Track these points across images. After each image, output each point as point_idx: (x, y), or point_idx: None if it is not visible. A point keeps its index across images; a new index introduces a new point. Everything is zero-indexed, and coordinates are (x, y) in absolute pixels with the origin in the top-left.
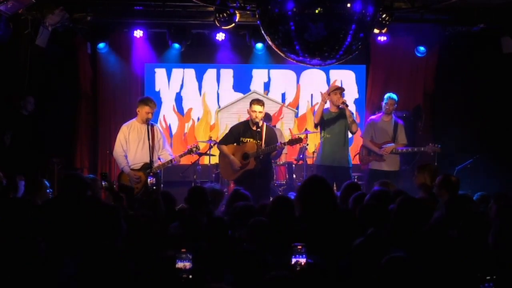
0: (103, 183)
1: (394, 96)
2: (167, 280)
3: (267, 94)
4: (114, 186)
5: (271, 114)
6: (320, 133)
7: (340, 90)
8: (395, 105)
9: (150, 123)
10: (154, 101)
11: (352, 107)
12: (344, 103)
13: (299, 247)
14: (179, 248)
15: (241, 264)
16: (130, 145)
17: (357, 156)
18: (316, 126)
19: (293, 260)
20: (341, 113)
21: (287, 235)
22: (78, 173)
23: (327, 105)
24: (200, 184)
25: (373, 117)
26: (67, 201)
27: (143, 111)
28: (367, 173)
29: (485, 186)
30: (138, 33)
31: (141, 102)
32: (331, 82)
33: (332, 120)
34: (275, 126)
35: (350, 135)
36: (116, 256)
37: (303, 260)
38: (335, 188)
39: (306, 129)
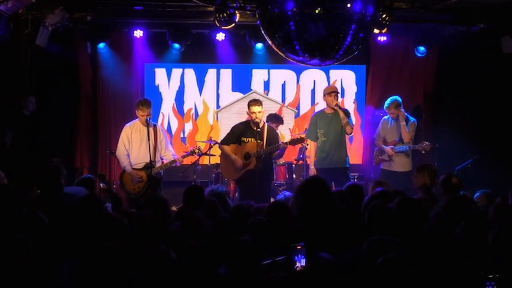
0: (101, 185)
1: (395, 101)
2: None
3: (267, 94)
4: (114, 186)
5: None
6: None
7: (334, 92)
8: (400, 108)
9: (152, 124)
10: (146, 104)
11: (352, 107)
12: (337, 105)
13: (298, 247)
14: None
15: (237, 256)
16: (133, 145)
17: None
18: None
19: (293, 260)
20: (337, 114)
21: (285, 235)
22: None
23: (322, 106)
24: (200, 184)
25: (386, 116)
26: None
27: (138, 114)
28: (378, 173)
29: (484, 186)
30: (138, 33)
31: (136, 105)
32: (331, 82)
33: (327, 122)
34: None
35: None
36: (116, 257)
37: (303, 260)
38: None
39: (306, 129)
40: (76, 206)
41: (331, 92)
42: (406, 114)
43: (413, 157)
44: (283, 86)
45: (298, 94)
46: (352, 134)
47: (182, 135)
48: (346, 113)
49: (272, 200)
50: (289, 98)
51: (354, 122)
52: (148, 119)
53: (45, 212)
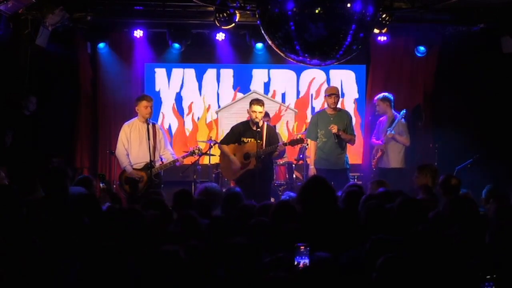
0: (101, 185)
1: (383, 97)
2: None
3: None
4: (114, 186)
5: (271, 115)
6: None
7: (334, 94)
8: (383, 105)
9: (151, 122)
10: (149, 96)
11: (352, 107)
12: (336, 135)
13: (302, 247)
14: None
15: (233, 258)
16: (132, 144)
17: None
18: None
19: (296, 261)
20: (338, 115)
21: (288, 235)
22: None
23: (320, 106)
24: (200, 183)
25: (381, 119)
26: (60, 199)
27: (141, 106)
28: (376, 173)
29: (484, 186)
30: (138, 33)
31: (137, 100)
32: (331, 82)
33: (329, 122)
34: (274, 126)
35: None
36: (118, 257)
37: (306, 261)
38: None
39: (306, 129)
40: (74, 206)
41: (331, 94)
42: (394, 113)
43: (406, 155)
44: (283, 86)
45: (298, 94)
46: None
47: (182, 135)
48: (348, 117)
49: (272, 200)
50: (289, 98)
51: (354, 122)
52: (148, 119)
53: (49, 213)
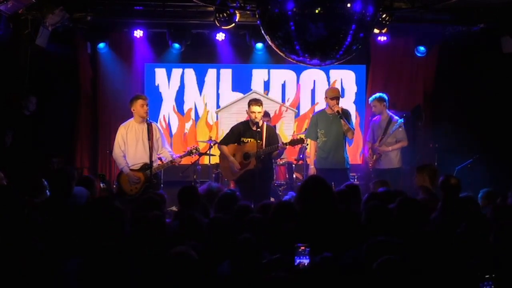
0: (101, 185)
1: (379, 97)
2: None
3: (267, 94)
4: (114, 186)
5: (271, 114)
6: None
7: (336, 97)
8: (380, 106)
9: (148, 121)
10: (144, 95)
11: (352, 107)
12: (338, 112)
13: (302, 247)
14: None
15: (239, 253)
16: (129, 146)
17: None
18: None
19: (296, 261)
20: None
21: (288, 235)
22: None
23: (322, 106)
24: (200, 183)
25: (374, 118)
26: (64, 200)
27: (138, 106)
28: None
29: (484, 186)
30: (138, 33)
31: (132, 100)
32: (331, 82)
33: (328, 121)
34: (274, 126)
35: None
36: (119, 257)
37: (306, 261)
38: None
39: (306, 129)
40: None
41: (334, 97)
42: (390, 114)
43: (403, 155)
44: (283, 86)
45: (298, 94)
46: (352, 139)
47: (182, 135)
48: (347, 114)
49: (272, 200)
50: (289, 98)
51: (354, 122)
52: (147, 118)
53: (53, 214)
